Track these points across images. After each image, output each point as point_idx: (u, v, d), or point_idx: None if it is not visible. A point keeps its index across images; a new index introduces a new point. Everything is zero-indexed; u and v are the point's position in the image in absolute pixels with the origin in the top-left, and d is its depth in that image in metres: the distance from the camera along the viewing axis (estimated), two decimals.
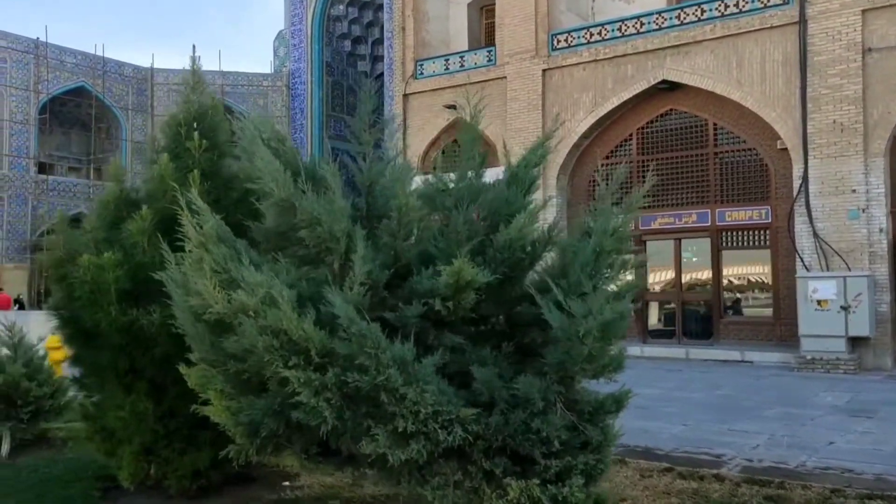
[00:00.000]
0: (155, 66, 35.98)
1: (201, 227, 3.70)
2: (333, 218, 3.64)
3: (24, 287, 30.86)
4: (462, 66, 16.80)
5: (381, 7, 36.63)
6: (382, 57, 38.01)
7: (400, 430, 3.35)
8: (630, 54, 16.08)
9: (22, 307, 27.63)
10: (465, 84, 15.49)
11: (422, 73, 16.71)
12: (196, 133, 5.41)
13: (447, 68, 16.91)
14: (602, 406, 3.76)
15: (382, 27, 37.48)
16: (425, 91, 16.81)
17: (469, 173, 4.33)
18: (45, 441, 7.33)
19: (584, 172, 16.81)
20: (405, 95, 16.66)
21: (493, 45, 16.84)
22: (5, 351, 7.07)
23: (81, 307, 4.87)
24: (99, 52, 33.75)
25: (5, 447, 6.99)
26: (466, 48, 17.67)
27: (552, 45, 16.98)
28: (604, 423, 3.71)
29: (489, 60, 16.30)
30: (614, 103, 15.76)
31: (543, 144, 4.45)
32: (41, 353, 7.77)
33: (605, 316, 3.37)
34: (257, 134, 4.07)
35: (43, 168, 32.84)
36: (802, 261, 14.32)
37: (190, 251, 3.71)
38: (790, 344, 14.64)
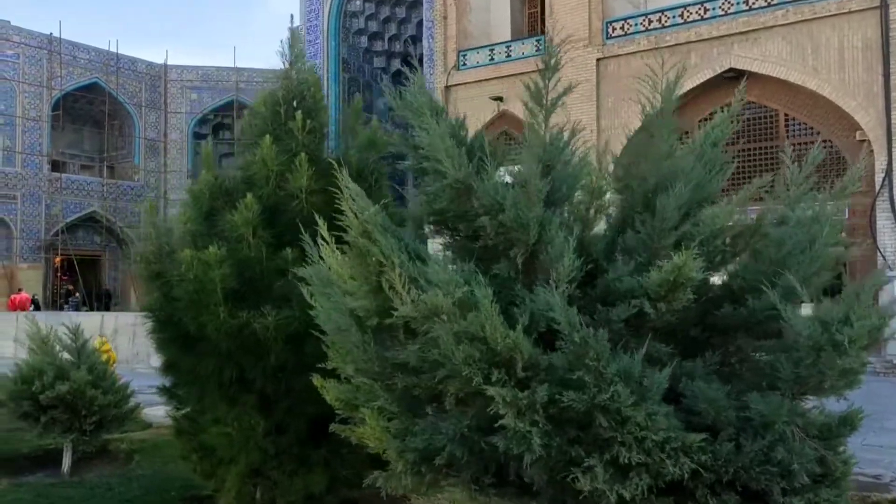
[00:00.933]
0: (168, 62, 35.40)
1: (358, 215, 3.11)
2: (524, 203, 3.06)
3: (39, 287, 30.29)
4: (508, 55, 16.16)
5: (398, 2, 36.07)
6: (399, 53, 37.44)
7: (620, 460, 2.77)
8: (693, 42, 15.41)
9: (37, 307, 27.04)
10: (512, 75, 14.85)
11: (465, 64, 16.06)
12: (299, 112, 4.82)
13: (492, 59, 16.27)
14: (834, 428, 3.17)
15: (400, 23, 36.91)
16: (469, 83, 16.15)
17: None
18: (106, 454, 6.75)
19: (641, 167, 15.85)
20: (447, 87, 16.00)
21: (542, 33, 16.22)
22: (66, 356, 6.49)
23: (182, 308, 4.29)
24: (112, 49, 33.19)
25: (67, 461, 6.41)
26: (509, 38, 17.03)
27: (607, 33, 16.35)
28: (841, 450, 3.13)
29: (538, 50, 15.65)
30: (676, 93, 14.90)
31: (726, 117, 3.86)
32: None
33: (872, 321, 2.79)
34: (425, 103, 3.47)
35: (56, 166, 32.27)
36: (885, 259, 13.69)
37: (347, 243, 3.13)
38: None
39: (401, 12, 36.58)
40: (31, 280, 30.01)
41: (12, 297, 26.49)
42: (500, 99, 15.48)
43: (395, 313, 2.81)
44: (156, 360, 12.02)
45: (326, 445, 4.55)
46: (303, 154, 4.63)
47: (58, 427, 6.28)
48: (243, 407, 4.38)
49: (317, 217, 4.66)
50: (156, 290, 4.49)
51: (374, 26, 36.54)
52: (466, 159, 3.22)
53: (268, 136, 4.63)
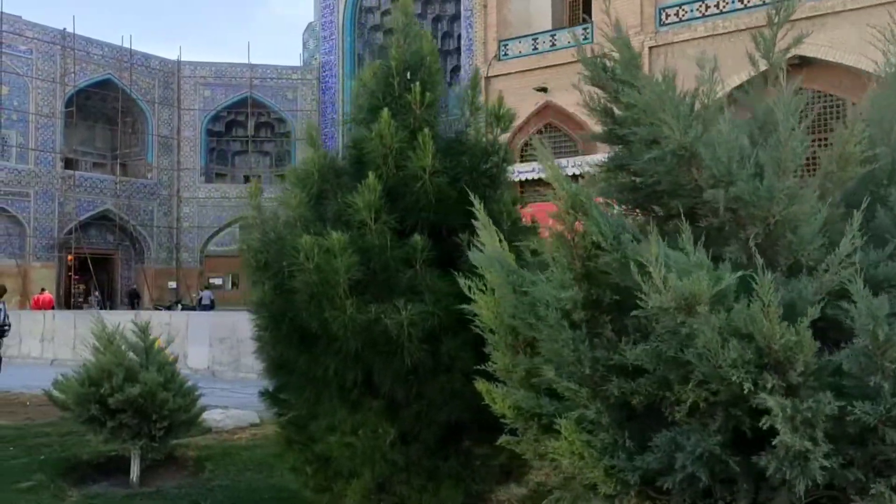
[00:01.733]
0: (182, 58, 34.92)
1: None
2: (772, 171, 2.55)
3: (53, 286, 29.79)
4: (553, 45, 15.58)
5: None
6: None
7: None
8: (755, 27, 14.26)
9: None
10: (557, 65, 14.32)
11: (506, 55, 15.50)
12: (416, 84, 4.32)
13: (535, 48, 15.70)
14: None
15: (416, 18, 36.44)
16: (510, 73, 15.58)
17: None
18: (174, 462, 6.26)
19: None
20: (487, 77, 15.46)
21: (584, 21, 15.68)
22: (131, 355, 6.00)
23: (300, 302, 3.79)
24: (125, 44, 32.71)
25: (136, 470, 5.92)
26: (550, 27, 16.44)
27: (660, 19, 15.78)
28: None
29: (584, 39, 15.10)
30: (735, 82, 14.36)
31: None
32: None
33: None
34: (632, 58, 2.97)
35: (68, 164, 31.79)
36: None
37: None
38: None
39: (416, 8, 36.07)
40: (45, 279, 29.53)
41: (35, 297, 26.07)
42: (544, 90, 14.93)
43: (648, 304, 2.31)
44: (195, 361, 11.46)
45: (456, 456, 4.06)
46: (426, 130, 4.14)
47: (125, 432, 5.79)
48: (367, 413, 3.88)
49: (438, 200, 4.21)
50: (264, 283, 3.99)
51: (389, 22, 36.05)
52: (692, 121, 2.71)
53: (385, 109, 4.13)
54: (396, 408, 3.93)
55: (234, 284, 35.70)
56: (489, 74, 15.45)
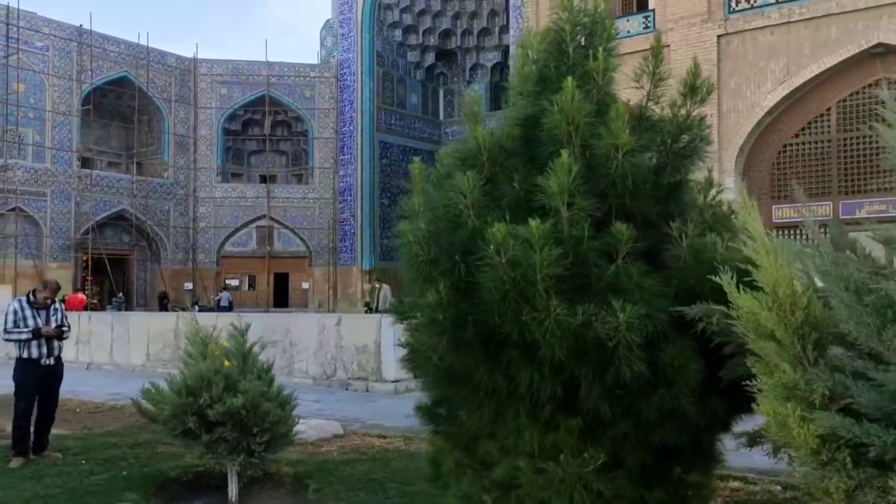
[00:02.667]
0: (198, 56, 34.38)
1: None
2: None
3: (69, 287, 29.24)
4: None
5: None
6: (434, 47, 36.43)
7: None
8: (834, 14, 14.01)
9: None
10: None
11: None
12: (601, 50, 3.75)
13: None
14: None
15: (435, 16, 35.89)
16: None
17: None
18: (269, 479, 5.70)
19: (764, 154, 14.99)
20: None
21: (641, 9, 15.01)
22: (226, 362, 5.43)
23: (489, 303, 3.22)
24: (142, 41, 32.20)
25: (234, 488, 5.35)
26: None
27: (729, 6, 15.02)
28: None
29: (645, 27, 14.51)
30: (813, 71, 13.80)
31: None
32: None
33: None
34: None
35: (84, 163, 31.27)
36: None
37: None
38: None
39: (436, 4, 35.60)
40: (61, 280, 28.87)
41: (68, 297, 25.54)
42: None
43: None
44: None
45: (663, 485, 3.49)
46: (618, 104, 3.58)
47: (223, 447, 5.23)
48: (562, 434, 3.31)
49: (634, 184, 3.65)
50: (438, 280, 3.42)
51: (408, 19, 35.56)
52: None
53: (570, 78, 3.56)
54: (597, 428, 3.36)
55: (250, 285, 35.20)
56: None
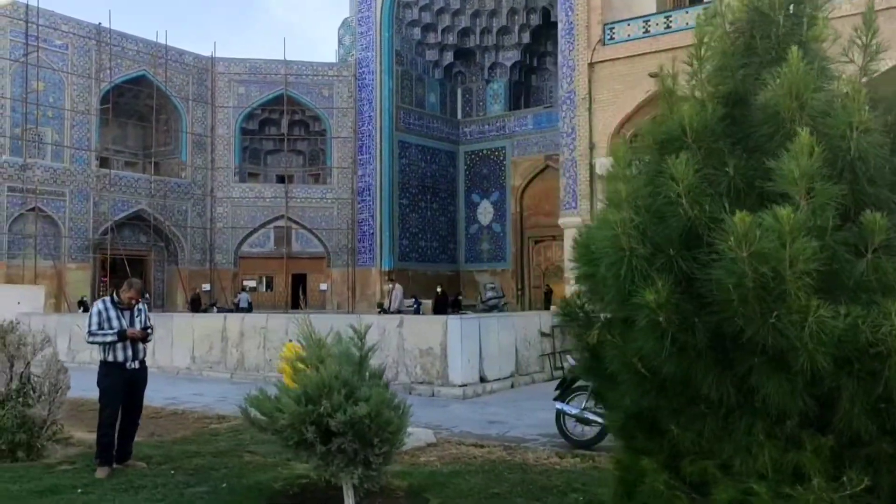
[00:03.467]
0: (215, 54, 34.05)
1: None
2: None
3: (88, 288, 28.93)
4: (668, 27, 14.40)
5: None
6: (452, 46, 36.07)
7: None
8: None
9: (87, 310, 25.63)
10: (672, 48, 13.18)
11: (612, 39, 14.39)
12: (820, 16, 3.38)
13: (647, 31, 14.47)
14: None
15: (454, 14, 35.54)
16: (617, 59, 14.41)
17: None
18: (382, 492, 5.32)
19: None
20: (591, 64, 14.37)
21: (693, 3, 14.59)
22: (333, 367, 5.06)
23: (724, 303, 2.85)
24: (160, 40, 31.85)
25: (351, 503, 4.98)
26: (654, 10, 15.31)
27: None
28: None
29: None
30: None
31: None
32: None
33: None
34: None
35: (101, 163, 30.93)
36: None
37: None
38: None
39: (454, 3, 35.27)
40: (80, 281, 28.69)
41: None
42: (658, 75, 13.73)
43: None
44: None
45: None
46: (848, 76, 3.20)
47: (339, 458, 4.86)
48: (807, 454, 2.93)
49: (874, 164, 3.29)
50: (656, 278, 3.04)
51: (427, 17, 35.22)
52: None
53: (795, 48, 3.18)
54: (846, 447, 2.98)
55: (268, 286, 34.84)
56: (593, 60, 14.37)
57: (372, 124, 33.89)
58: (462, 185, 37.25)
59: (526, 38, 35.86)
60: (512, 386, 10.25)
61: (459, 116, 37.78)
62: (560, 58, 14.60)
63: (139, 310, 6.34)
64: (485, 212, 36.73)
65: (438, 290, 29.92)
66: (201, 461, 6.29)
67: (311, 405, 4.77)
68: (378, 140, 33.72)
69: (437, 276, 34.89)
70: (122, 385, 6.14)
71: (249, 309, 30.19)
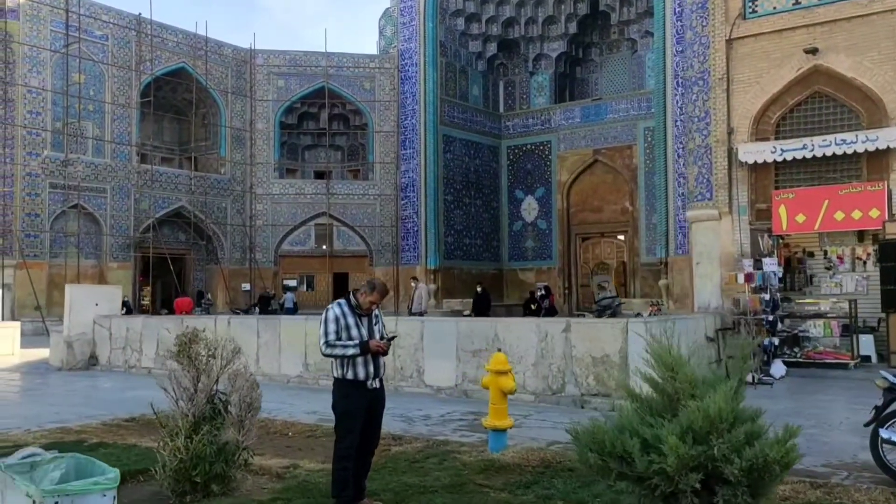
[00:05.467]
0: (255, 46, 32.95)
1: None
2: None
3: (129, 288, 27.86)
4: None
5: None
6: (496, 37, 34.92)
7: None
8: None
9: (129, 311, 24.57)
10: (830, 21, 12.05)
11: (753, 12, 13.18)
12: None
13: (797, 2, 13.15)
14: None
15: (498, 4, 34.41)
16: (762, 34, 13.11)
17: None
18: None
19: None
20: (729, 40, 13.17)
21: None
22: (645, 388, 3.99)
23: None
24: (200, 31, 30.78)
25: None
26: None
27: None
28: None
29: None
30: None
31: None
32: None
33: None
34: None
35: (141, 158, 29.87)
36: None
37: None
38: None
39: None
40: (121, 280, 27.52)
41: (177, 300, 24.25)
42: (814, 51, 12.63)
43: None
44: (437, 378, 9.32)
45: None
46: None
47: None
48: None
49: None
50: None
51: (471, 7, 34.09)
52: None
53: None
54: None
55: (308, 285, 33.77)
56: (732, 36, 13.17)
57: (416, 118, 32.79)
58: (505, 180, 36.15)
59: (573, 27, 34.75)
60: None
61: (501, 110, 36.66)
62: (694, 34, 13.40)
63: (376, 316, 5.25)
64: (529, 208, 35.63)
65: (479, 289, 28.81)
66: (444, 501, 5.22)
67: (701, 445, 3.68)
68: (422, 134, 32.62)
69: (481, 274, 33.83)
70: (363, 408, 5.05)
71: (295, 310, 29.14)
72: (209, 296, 29.14)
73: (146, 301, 30.34)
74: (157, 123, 32.15)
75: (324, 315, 5.11)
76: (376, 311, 5.25)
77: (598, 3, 33.85)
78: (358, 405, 5.03)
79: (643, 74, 33.56)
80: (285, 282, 32.96)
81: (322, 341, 5.01)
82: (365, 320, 5.13)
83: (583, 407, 8.83)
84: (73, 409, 9.60)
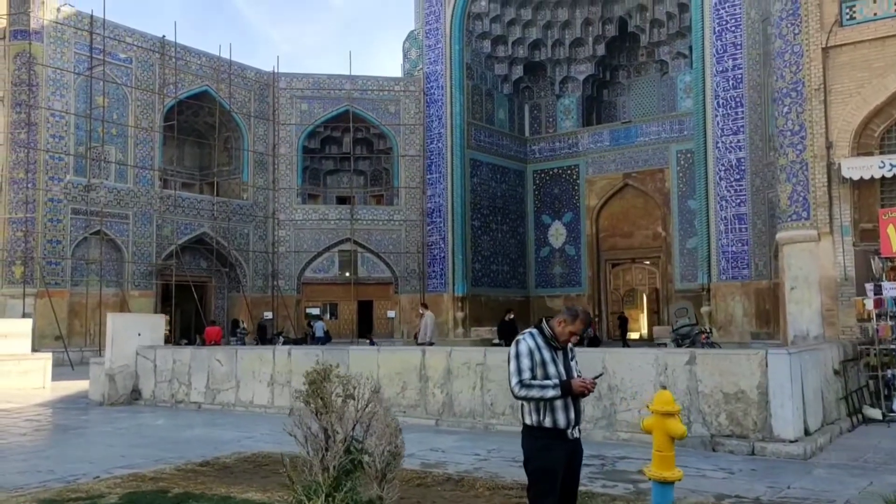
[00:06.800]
0: (278, 69, 32.34)
1: None
2: None
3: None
4: None
5: (523, 3, 33.05)
6: (522, 59, 34.31)
7: None
8: None
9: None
10: None
11: (852, 18, 12.35)
12: None
13: None
14: None
15: (524, 26, 33.88)
16: (861, 42, 12.27)
17: None
18: None
19: None
20: (825, 48, 12.33)
21: None
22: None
23: None
24: (223, 55, 30.18)
25: None
26: None
27: None
28: None
29: None
30: None
31: None
32: None
33: None
34: None
35: (163, 184, 29.08)
36: None
37: None
38: None
39: (526, 14, 33.65)
40: (143, 309, 26.53)
41: (207, 329, 23.30)
42: None
43: None
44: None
45: None
46: None
47: None
48: None
49: None
50: None
51: (497, 29, 33.58)
52: None
53: None
54: None
55: (332, 314, 32.78)
56: (828, 44, 12.34)
57: (442, 141, 32.09)
58: (531, 205, 35.35)
59: (601, 49, 34.19)
60: (830, 440, 8.22)
61: (527, 133, 35.99)
62: (785, 43, 12.55)
63: (571, 349, 4.33)
64: (556, 233, 34.80)
65: (509, 316, 27.74)
66: None
67: None
68: (449, 158, 31.90)
69: (509, 301, 32.88)
70: (563, 463, 4.11)
71: (326, 339, 28.15)
72: (244, 325, 28.13)
73: (166, 330, 29.33)
74: (178, 148, 31.44)
75: (514, 349, 4.18)
76: (571, 345, 4.33)
77: (626, 24, 33.33)
78: (557, 460, 4.08)
79: (674, 96, 32.95)
80: (308, 310, 32.01)
81: (514, 380, 4.09)
82: (560, 354, 4.21)
83: (714, 450, 7.86)
84: (136, 450, 8.61)
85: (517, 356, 4.14)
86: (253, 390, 11.92)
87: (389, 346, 12.36)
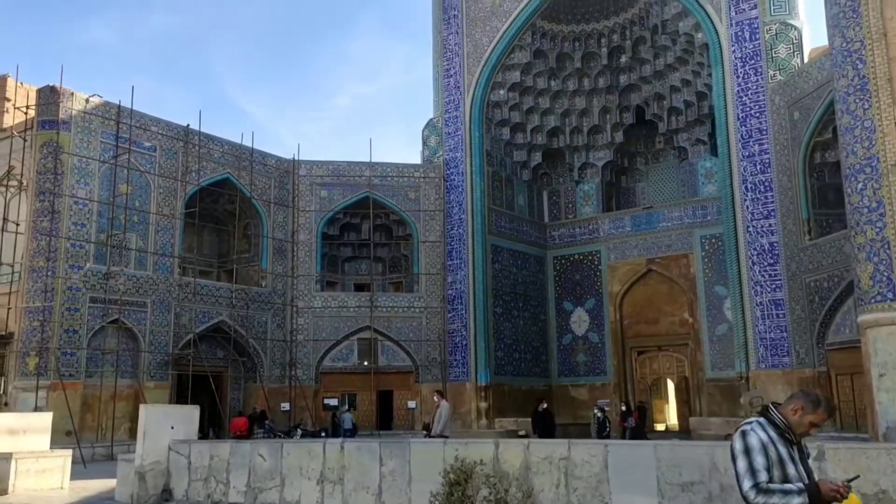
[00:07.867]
0: (298, 157, 32.37)
1: None
2: None
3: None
4: None
5: (541, 92, 33.42)
6: (541, 146, 34.42)
7: None
8: None
9: None
10: None
11: None
12: None
13: None
14: None
15: (542, 114, 34.15)
16: None
17: None
18: None
19: None
20: None
21: None
22: None
23: None
24: (245, 142, 30.22)
25: None
26: None
27: None
28: None
29: None
30: None
31: None
32: None
33: None
34: None
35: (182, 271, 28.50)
36: None
37: None
38: None
39: (544, 102, 33.97)
40: (159, 401, 25.45)
41: (233, 420, 22.17)
42: None
43: None
44: None
45: None
46: None
47: None
48: None
49: None
50: None
51: (516, 117, 33.82)
52: None
53: None
54: None
55: (350, 404, 31.56)
56: None
57: (463, 227, 31.77)
58: (552, 292, 34.73)
59: (619, 137, 34.38)
60: None
61: (546, 219, 35.76)
62: (852, 118, 12.30)
63: (806, 445, 3.60)
64: (578, 320, 34.03)
65: (542, 406, 26.65)
66: None
67: None
68: (470, 244, 31.50)
69: (532, 390, 31.82)
70: None
71: (354, 431, 27.02)
72: (270, 419, 27.03)
73: None
74: (197, 235, 31.04)
75: (740, 443, 3.47)
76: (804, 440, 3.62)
77: (643, 112, 33.62)
78: None
79: (695, 182, 32.86)
80: (326, 400, 30.83)
81: (748, 484, 3.36)
82: (796, 450, 3.49)
83: None
84: None
85: (747, 451, 3.42)
86: (300, 489, 10.95)
87: (455, 439, 11.44)
